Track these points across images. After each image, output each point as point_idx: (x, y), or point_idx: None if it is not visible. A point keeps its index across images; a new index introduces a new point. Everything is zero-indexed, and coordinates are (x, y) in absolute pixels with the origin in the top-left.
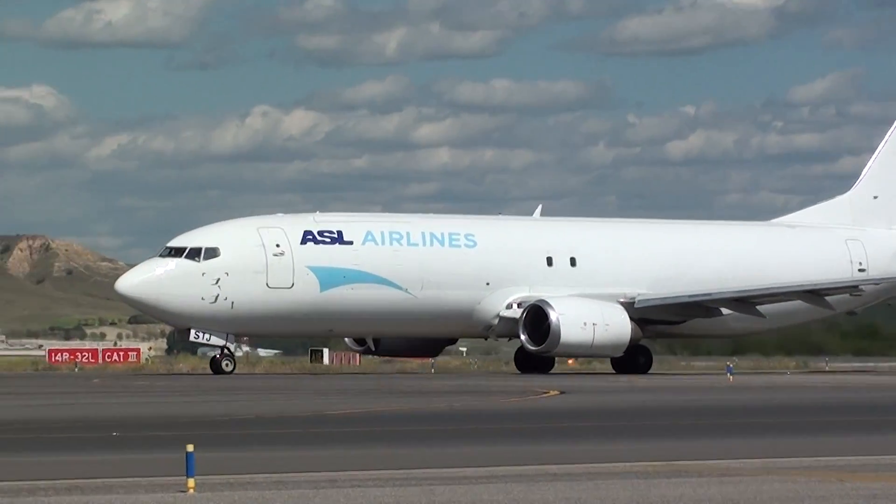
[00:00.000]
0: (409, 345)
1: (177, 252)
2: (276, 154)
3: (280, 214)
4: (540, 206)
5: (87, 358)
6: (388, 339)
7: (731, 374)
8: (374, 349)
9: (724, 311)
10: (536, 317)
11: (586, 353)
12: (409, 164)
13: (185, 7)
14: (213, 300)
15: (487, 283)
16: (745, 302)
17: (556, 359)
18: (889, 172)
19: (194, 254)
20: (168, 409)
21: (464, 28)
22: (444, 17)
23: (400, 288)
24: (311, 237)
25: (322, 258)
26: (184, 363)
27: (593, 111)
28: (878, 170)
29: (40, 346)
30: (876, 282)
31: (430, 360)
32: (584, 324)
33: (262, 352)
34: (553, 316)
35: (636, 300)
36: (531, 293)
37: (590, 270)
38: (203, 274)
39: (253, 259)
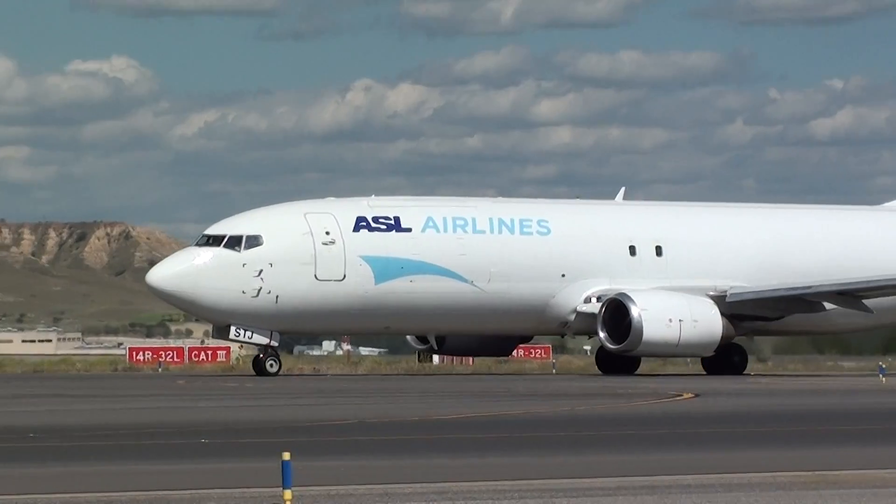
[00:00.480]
0: (478, 343)
1: (215, 240)
2: (380, 133)
3: (331, 199)
4: (623, 190)
5: (172, 357)
6: (454, 338)
7: (883, 376)
8: (436, 348)
9: (828, 305)
10: (616, 312)
11: (671, 352)
12: (526, 144)
13: None
14: (256, 294)
15: (563, 275)
16: (850, 295)
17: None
18: None
19: (234, 242)
20: (261, 414)
21: None
22: None
23: (465, 280)
24: (364, 224)
25: (377, 247)
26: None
27: (730, 85)
28: None
29: (120, 345)
30: None
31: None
32: (670, 320)
33: (364, 350)
34: (634, 311)
35: (728, 294)
36: (612, 286)
37: (678, 261)
38: (244, 265)
39: (300, 248)
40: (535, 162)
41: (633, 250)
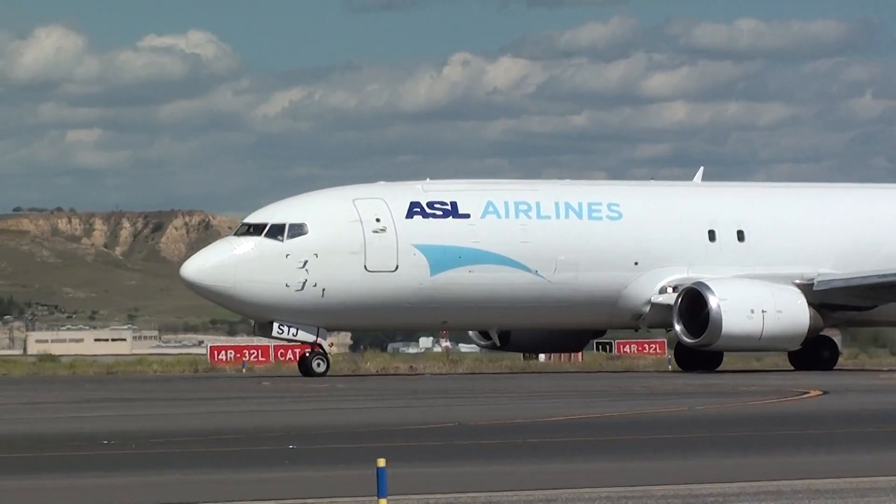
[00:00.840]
0: (545, 338)
1: (256, 229)
2: (479, 111)
3: (382, 183)
4: (701, 170)
5: (257, 356)
6: (520, 332)
7: None
8: (498, 344)
9: None
10: (694, 303)
11: (753, 346)
12: (637, 121)
13: None
14: (300, 287)
15: (636, 263)
16: None
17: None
18: None
19: (277, 231)
20: (353, 417)
21: None
22: None
23: (528, 270)
24: (419, 210)
25: (433, 235)
26: (371, 362)
27: (857, 56)
28: None
29: (200, 343)
30: None
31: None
32: (752, 311)
33: (464, 347)
34: (713, 301)
35: (816, 281)
36: (689, 274)
37: (761, 246)
38: (287, 255)
39: (348, 237)
40: (647, 141)
41: (712, 235)
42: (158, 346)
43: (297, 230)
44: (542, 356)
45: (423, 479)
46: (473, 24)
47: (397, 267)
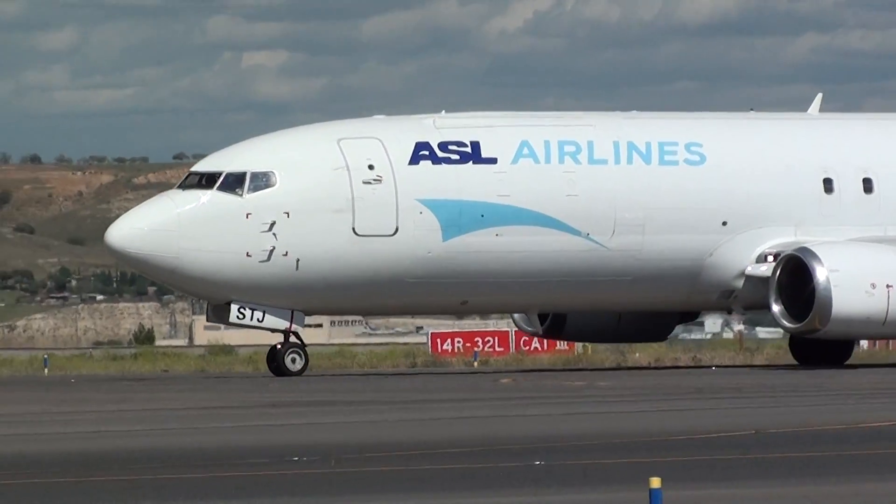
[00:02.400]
0: (614, 324)
1: (208, 181)
2: (779, 24)
3: (380, 117)
4: (819, 97)
5: (493, 345)
6: (579, 316)
7: None
8: (541, 332)
9: None
10: (797, 276)
11: (875, 332)
12: None
13: None
14: (266, 257)
15: (724, 224)
16: None
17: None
18: None
19: (235, 183)
20: (617, 424)
21: None
22: None
23: (577, 233)
24: (427, 152)
25: (446, 187)
26: (641, 352)
27: None
28: None
29: (419, 329)
30: None
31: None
32: (873, 285)
33: (761, 332)
34: (821, 273)
35: None
36: (798, 237)
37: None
38: (248, 215)
39: (331, 190)
40: None
41: (829, 185)
42: (364, 335)
43: (263, 181)
44: (863, 343)
45: (705, 502)
46: None
47: (397, 230)
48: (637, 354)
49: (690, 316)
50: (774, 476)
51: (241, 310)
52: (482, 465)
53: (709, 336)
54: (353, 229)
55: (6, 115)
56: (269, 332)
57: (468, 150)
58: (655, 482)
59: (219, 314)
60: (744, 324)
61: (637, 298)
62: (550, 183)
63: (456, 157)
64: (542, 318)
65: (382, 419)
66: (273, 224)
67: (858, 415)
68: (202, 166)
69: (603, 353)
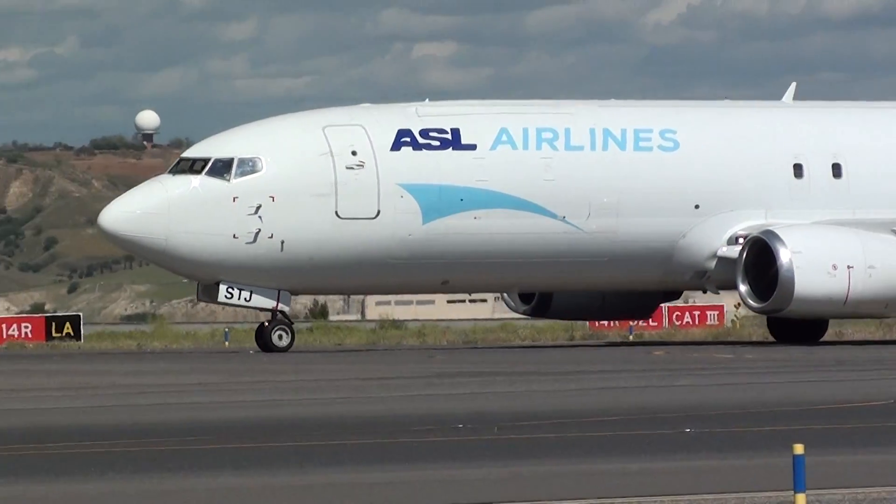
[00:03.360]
0: (599, 303)
1: (196, 166)
2: None
3: (365, 105)
4: (793, 86)
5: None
6: (564, 296)
7: None
8: (525, 309)
9: None
10: (762, 257)
11: (836, 311)
12: None
13: None
14: (252, 239)
15: (696, 207)
16: None
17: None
18: None
19: (222, 168)
20: (765, 393)
21: None
22: None
23: (554, 216)
24: (409, 139)
25: (427, 171)
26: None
27: None
28: None
29: None
30: None
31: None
32: (834, 266)
33: None
34: (784, 255)
35: None
36: (768, 220)
37: (865, 184)
38: (235, 199)
39: (314, 174)
40: None
41: (798, 170)
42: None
43: (249, 166)
44: None
45: (849, 468)
46: None
47: (379, 212)
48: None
49: (673, 295)
50: None
51: (230, 290)
52: (633, 433)
53: None
54: (336, 212)
55: (190, 102)
56: (425, 307)
57: (448, 136)
58: (798, 448)
59: (208, 293)
60: None
61: (613, 279)
62: (528, 168)
63: (436, 143)
64: (530, 297)
65: (540, 389)
66: (259, 207)
67: None
68: (192, 152)
69: (750, 328)
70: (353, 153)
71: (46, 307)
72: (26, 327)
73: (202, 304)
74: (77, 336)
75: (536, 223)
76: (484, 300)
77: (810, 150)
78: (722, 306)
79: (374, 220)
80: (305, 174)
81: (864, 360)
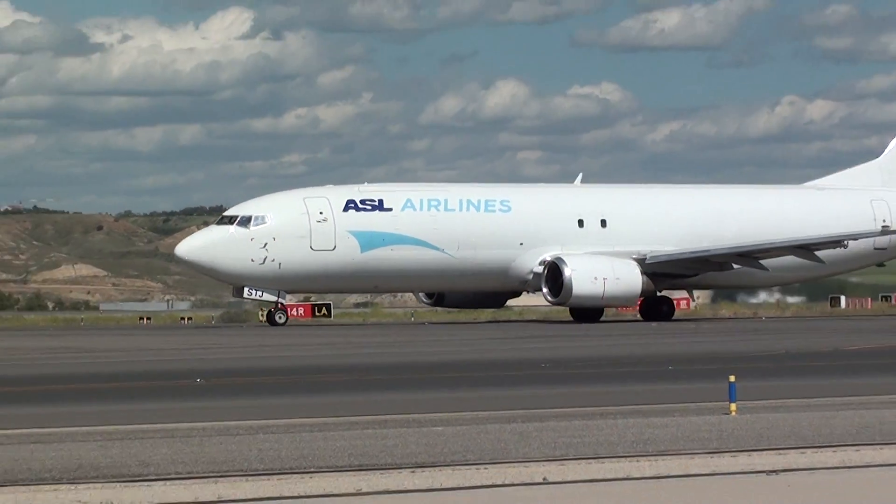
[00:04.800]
0: (472, 298)
1: (230, 220)
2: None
3: (329, 186)
4: (580, 175)
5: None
6: (451, 294)
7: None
8: (429, 302)
9: (735, 265)
10: (554, 272)
11: (598, 304)
12: None
13: (726, 15)
14: (262, 262)
15: (521, 244)
16: (747, 256)
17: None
18: None
19: (245, 221)
20: (712, 347)
21: None
22: None
23: (437, 249)
24: (353, 205)
25: (363, 223)
26: (726, 309)
27: None
28: None
29: None
30: (856, 236)
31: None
32: (595, 278)
33: (789, 299)
34: (566, 272)
35: (648, 256)
36: (562, 252)
37: (618, 231)
38: (252, 239)
39: (298, 225)
40: None
41: (581, 223)
42: None
43: (261, 220)
44: (843, 300)
45: (763, 389)
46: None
47: (335, 247)
48: (722, 310)
49: (514, 294)
50: (811, 374)
51: (250, 291)
52: (620, 370)
53: (762, 301)
54: (311, 247)
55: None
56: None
57: (376, 203)
58: (732, 378)
59: (238, 293)
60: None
61: (474, 285)
62: (422, 221)
63: (369, 207)
64: (431, 295)
65: (557, 345)
66: (266, 244)
67: (844, 343)
68: (229, 212)
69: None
70: (321, 213)
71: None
72: (300, 311)
73: None
74: (329, 315)
75: (427, 253)
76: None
77: (588, 212)
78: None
79: (333, 251)
80: (293, 225)
81: (768, 329)
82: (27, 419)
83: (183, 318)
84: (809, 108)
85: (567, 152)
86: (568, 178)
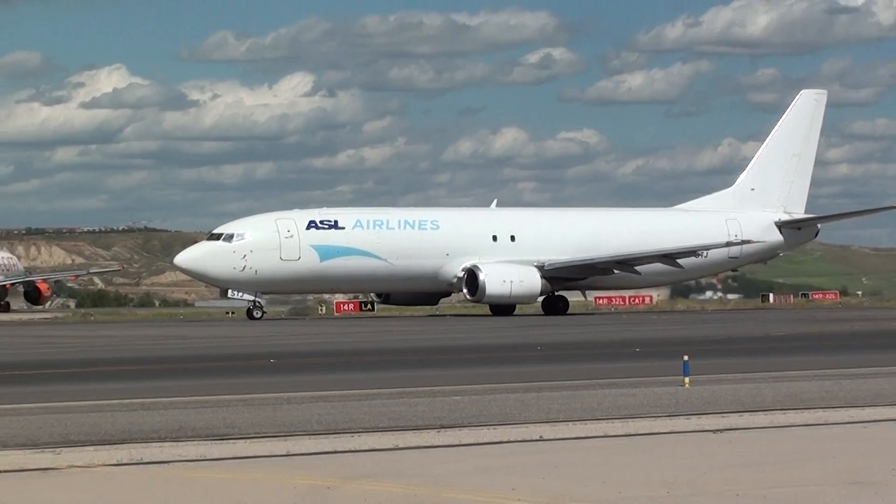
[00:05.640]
0: (412, 297)
1: (217, 237)
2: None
3: (296, 210)
4: (496, 200)
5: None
6: (395, 294)
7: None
8: (378, 301)
9: (616, 270)
10: (472, 276)
11: (506, 300)
12: None
13: (679, 76)
14: (242, 269)
15: (447, 254)
16: (624, 263)
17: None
18: (764, 171)
19: (229, 237)
20: (670, 333)
21: None
22: None
23: (381, 258)
24: (314, 224)
25: (322, 239)
26: (681, 304)
27: None
28: (754, 170)
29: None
30: (706, 248)
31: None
32: (503, 280)
33: (729, 296)
34: (481, 276)
35: (545, 264)
36: (480, 261)
37: (525, 244)
38: (234, 252)
39: (270, 240)
40: None
41: (495, 238)
42: None
43: (241, 237)
44: (771, 299)
45: (712, 367)
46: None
47: (300, 258)
48: (679, 305)
49: (445, 294)
50: (749, 354)
51: (234, 293)
52: (605, 351)
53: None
54: (280, 257)
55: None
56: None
57: (332, 223)
58: (685, 357)
59: (224, 294)
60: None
61: (412, 287)
62: (369, 237)
63: (326, 227)
64: (380, 294)
65: (544, 332)
66: (245, 255)
67: (771, 329)
68: (216, 231)
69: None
70: (288, 230)
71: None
72: (350, 306)
73: None
74: (373, 309)
75: (374, 262)
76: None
77: (501, 229)
78: (651, 296)
79: (298, 261)
80: (266, 240)
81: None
82: (139, 391)
83: (228, 313)
84: (743, 147)
85: (556, 183)
86: (558, 203)
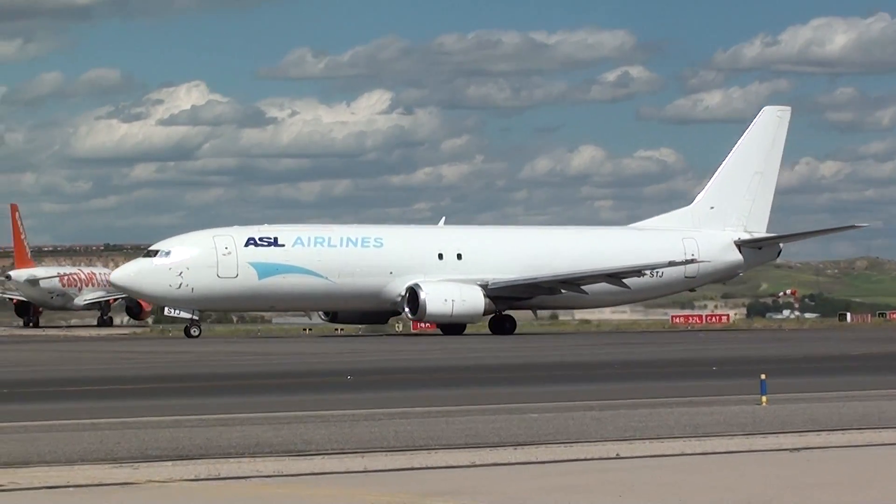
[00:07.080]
0: (361, 316)
1: (153, 253)
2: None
3: (236, 227)
4: (444, 218)
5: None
6: (343, 312)
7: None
8: (326, 319)
9: (563, 290)
10: (413, 295)
11: (448, 320)
12: None
13: (756, 95)
14: (178, 287)
15: (391, 273)
16: (569, 283)
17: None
18: (724, 189)
19: (165, 254)
20: (747, 352)
21: None
22: None
23: (322, 276)
24: (253, 241)
25: (260, 256)
26: (758, 323)
27: None
28: (714, 188)
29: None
30: (651, 267)
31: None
32: (445, 299)
33: (807, 315)
34: (422, 295)
35: (490, 283)
36: (425, 279)
37: (470, 262)
38: (170, 269)
39: (207, 257)
40: None
41: (441, 256)
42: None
43: (178, 254)
44: (848, 318)
45: (789, 385)
46: None
47: (237, 275)
48: (756, 325)
49: (394, 313)
50: (837, 373)
51: (171, 310)
52: (675, 370)
53: (784, 317)
54: (217, 275)
55: None
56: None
57: (272, 241)
58: (763, 376)
59: (161, 311)
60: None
61: (355, 305)
62: (309, 255)
63: (266, 244)
64: (328, 313)
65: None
66: (182, 272)
67: (850, 349)
68: (153, 247)
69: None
70: (226, 247)
71: None
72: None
73: None
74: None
75: (315, 280)
76: None
77: (447, 247)
78: (728, 314)
79: (236, 278)
80: (204, 257)
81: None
82: (216, 407)
83: (305, 329)
84: (821, 166)
85: (633, 201)
86: (634, 221)
